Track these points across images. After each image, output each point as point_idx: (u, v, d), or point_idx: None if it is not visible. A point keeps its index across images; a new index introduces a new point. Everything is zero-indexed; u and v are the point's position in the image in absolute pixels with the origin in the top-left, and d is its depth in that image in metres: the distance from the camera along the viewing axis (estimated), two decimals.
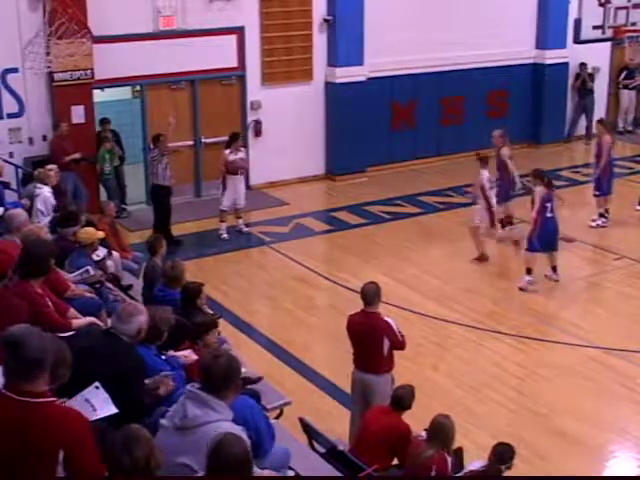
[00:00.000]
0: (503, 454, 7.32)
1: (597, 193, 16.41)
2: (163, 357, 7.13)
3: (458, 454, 7.75)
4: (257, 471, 5.21)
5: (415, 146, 20.06)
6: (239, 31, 17.78)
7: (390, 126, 19.90)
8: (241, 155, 15.72)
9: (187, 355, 7.35)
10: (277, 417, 8.16)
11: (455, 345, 12.16)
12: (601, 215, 16.39)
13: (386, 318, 9.05)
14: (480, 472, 7.22)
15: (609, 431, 10.15)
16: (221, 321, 9.52)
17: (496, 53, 20.56)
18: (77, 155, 15.61)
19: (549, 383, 11.16)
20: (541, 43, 21.64)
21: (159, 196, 15.37)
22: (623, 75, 23.19)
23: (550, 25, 21.43)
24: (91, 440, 4.80)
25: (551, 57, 21.63)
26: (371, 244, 15.76)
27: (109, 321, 7.40)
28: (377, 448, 7.82)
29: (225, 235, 15.85)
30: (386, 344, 8.92)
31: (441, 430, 7.42)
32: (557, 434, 9.97)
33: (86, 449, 4.73)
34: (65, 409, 4.93)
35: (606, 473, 9.54)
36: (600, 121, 17.18)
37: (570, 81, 22.34)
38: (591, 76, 22.42)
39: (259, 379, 8.46)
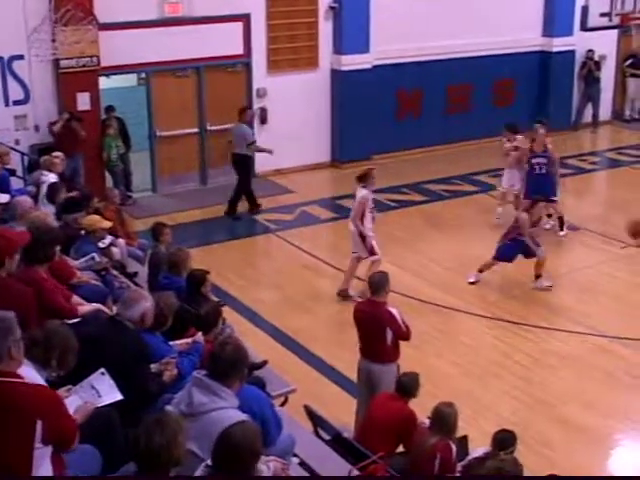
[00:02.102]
0: (504, 441, 7.33)
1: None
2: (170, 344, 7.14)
3: (463, 442, 7.76)
4: (262, 459, 5.21)
5: (421, 134, 19.99)
6: (245, 18, 17.72)
7: (396, 114, 19.86)
8: None
9: (189, 342, 7.32)
10: (282, 404, 8.17)
11: (461, 333, 12.15)
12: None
13: (390, 308, 9.03)
14: (481, 458, 7.22)
15: (614, 419, 10.14)
16: (226, 309, 9.52)
17: (503, 41, 20.48)
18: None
19: (555, 372, 11.16)
20: (548, 31, 21.55)
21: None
22: (629, 62, 23.10)
23: (557, 13, 21.34)
24: (64, 408, 5.24)
25: (558, 45, 21.53)
26: (377, 232, 15.67)
27: (115, 308, 7.41)
28: (383, 434, 7.82)
29: None
30: (389, 334, 8.92)
31: (443, 418, 7.43)
32: (562, 422, 9.97)
33: (61, 415, 5.13)
34: (35, 385, 5.20)
35: (611, 462, 9.55)
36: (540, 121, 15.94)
37: (577, 69, 22.28)
38: (597, 64, 22.34)
39: (264, 363, 8.45)
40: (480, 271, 13.46)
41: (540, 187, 14.61)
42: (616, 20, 22.22)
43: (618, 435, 9.98)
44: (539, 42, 21.59)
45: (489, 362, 11.31)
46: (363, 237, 12.72)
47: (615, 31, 22.56)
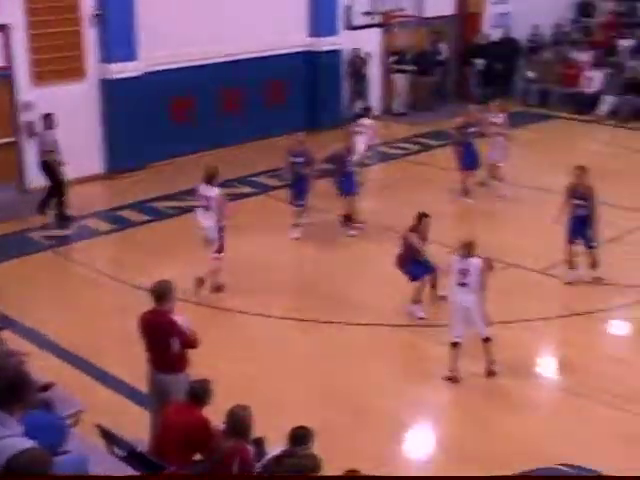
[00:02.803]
0: (300, 437, 7.34)
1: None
2: None
3: (259, 443, 7.72)
4: None
5: (196, 139, 19.86)
6: (2, 29, 17.01)
7: (170, 120, 19.63)
8: None
9: None
10: (73, 425, 7.88)
11: (253, 335, 12.16)
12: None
13: (175, 316, 8.88)
14: (278, 457, 7.22)
15: (406, 403, 10.47)
16: (7, 333, 9.10)
17: (271, 43, 20.72)
18: None
19: (346, 363, 11.34)
20: (314, 31, 22.01)
21: None
22: (394, 59, 23.88)
23: (321, 13, 21.86)
24: None
25: (324, 44, 22.06)
26: (159, 240, 15.51)
27: None
28: (177, 444, 7.67)
29: None
30: (175, 342, 8.78)
31: (237, 421, 7.35)
32: (358, 411, 10.16)
33: None
34: None
35: (408, 448, 9.80)
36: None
37: (344, 67, 22.82)
38: (364, 61, 22.97)
39: (50, 385, 8.12)
40: (417, 302, 12.76)
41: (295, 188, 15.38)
42: (378, 19, 22.87)
43: (408, 417, 10.34)
44: (306, 42, 21.98)
45: (283, 361, 11.38)
46: (222, 233, 13.15)
47: (379, 29, 23.22)
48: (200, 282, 13.12)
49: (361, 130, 17.95)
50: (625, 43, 25.68)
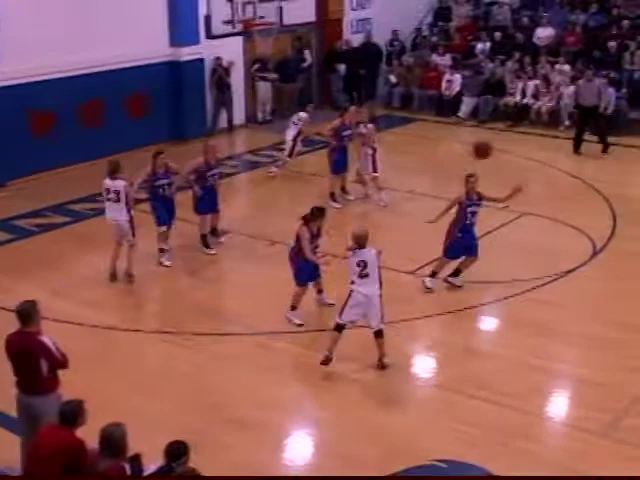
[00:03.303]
0: (175, 452, 7.22)
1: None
2: None
3: (135, 460, 7.56)
4: None
5: (57, 154, 19.32)
6: None
7: (29, 135, 19.03)
8: None
9: None
10: None
11: (122, 351, 11.94)
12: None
13: (42, 337, 8.62)
14: (155, 473, 7.11)
15: (284, 411, 10.46)
16: None
17: (131, 53, 20.38)
18: None
19: (221, 375, 11.26)
20: (175, 41, 21.81)
21: None
22: (256, 67, 23.89)
23: (181, 22, 21.68)
24: None
25: (186, 54, 21.89)
26: (24, 259, 15.05)
27: None
28: (50, 468, 7.45)
29: None
30: (44, 364, 8.54)
31: (111, 440, 7.20)
32: (234, 422, 10.08)
33: None
34: None
35: (284, 453, 9.78)
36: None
37: (208, 76, 22.72)
38: (227, 70, 22.92)
39: None
40: (294, 309, 12.66)
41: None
42: (239, 27, 22.90)
43: (289, 426, 10.34)
44: (168, 52, 21.78)
45: (154, 376, 11.22)
46: (132, 223, 13.79)
47: (240, 37, 23.22)
48: (114, 276, 13.98)
49: (295, 122, 19.04)
50: (482, 46, 26.36)
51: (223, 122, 23.24)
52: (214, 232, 15.41)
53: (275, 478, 9.38)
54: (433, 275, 13.59)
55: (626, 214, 16.53)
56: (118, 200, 13.62)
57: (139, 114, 20.95)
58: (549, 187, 19.25)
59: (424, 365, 11.81)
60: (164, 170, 14.40)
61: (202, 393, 10.81)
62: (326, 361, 11.08)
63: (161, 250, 14.59)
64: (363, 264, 10.85)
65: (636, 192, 18.53)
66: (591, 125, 21.38)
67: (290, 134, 19.14)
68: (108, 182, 13.69)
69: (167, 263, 14.57)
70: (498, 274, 13.82)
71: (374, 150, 17.27)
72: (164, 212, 14.52)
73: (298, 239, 12.30)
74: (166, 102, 21.75)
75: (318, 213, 12.41)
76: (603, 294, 13.79)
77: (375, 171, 17.32)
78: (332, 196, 17.31)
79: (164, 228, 14.55)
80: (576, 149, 21.22)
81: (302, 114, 19.21)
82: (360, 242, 10.90)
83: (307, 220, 12.31)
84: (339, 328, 11.10)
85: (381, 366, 11.20)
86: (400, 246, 14.64)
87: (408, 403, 10.93)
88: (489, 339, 12.79)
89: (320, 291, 12.91)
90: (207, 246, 15.13)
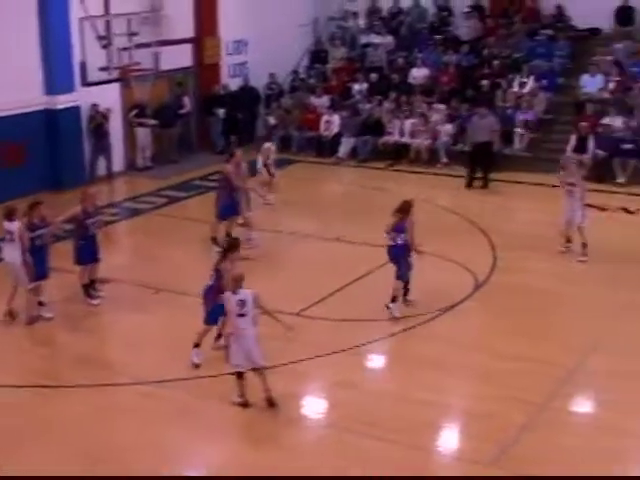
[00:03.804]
0: None
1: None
2: None
3: None
4: None
5: None
6: None
7: None
8: None
9: None
10: None
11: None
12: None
13: None
14: None
15: (174, 460, 10.24)
16: None
17: (5, 102, 19.95)
18: None
19: (112, 426, 10.98)
20: (50, 89, 21.50)
21: None
22: (134, 113, 23.70)
23: (56, 70, 21.42)
24: None
25: (62, 102, 21.60)
26: None
27: None
28: None
29: None
30: None
31: None
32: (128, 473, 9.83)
33: None
34: None
35: None
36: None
37: (85, 124, 22.42)
38: (105, 117, 22.67)
39: None
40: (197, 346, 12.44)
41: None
42: (115, 73, 22.64)
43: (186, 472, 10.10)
44: (43, 101, 21.43)
45: (42, 431, 10.83)
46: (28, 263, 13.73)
47: (117, 84, 22.98)
48: (12, 315, 13.98)
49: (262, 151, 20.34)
50: (358, 87, 26.77)
51: (102, 169, 22.95)
52: (92, 284, 14.98)
53: (275, 478, 9.38)
54: (394, 300, 13.84)
55: (505, 247, 16.91)
56: (12, 240, 13.78)
57: (14, 164, 20.48)
58: (430, 223, 19.52)
59: (316, 406, 11.73)
60: (40, 220, 14.06)
61: (90, 445, 10.47)
62: (243, 404, 11.13)
63: (40, 303, 14.20)
64: (242, 303, 10.87)
65: (513, 226, 19.01)
66: (483, 160, 21.86)
67: (259, 163, 20.08)
68: (5, 224, 13.88)
69: (48, 315, 14.18)
70: (384, 311, 13.91)
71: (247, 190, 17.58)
72: (40, 265, 14.09)
73: (220, 276, 12.09)
74: (42, 151, 21.37)
75: (234, 243, 12.65)
76: (486, 326, 14.03)
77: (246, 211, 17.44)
78: (214, 240, 17.14)
79: (40, 282, 14.13)
80: (469, 184, 21.72)
81: (267, 144, 20.92)
82: (238, 284, 10.96)
83: (226, 253, 12.31)
84: (239, 375, 11.07)
85: (270, 402, 11.09)
86: (284, 288, 14.61)
87: (302, 446, 10.77)
88: (377, 376, 12.83)
89: (220, 336, 12.67)
90: (90, 296, 14.80)
